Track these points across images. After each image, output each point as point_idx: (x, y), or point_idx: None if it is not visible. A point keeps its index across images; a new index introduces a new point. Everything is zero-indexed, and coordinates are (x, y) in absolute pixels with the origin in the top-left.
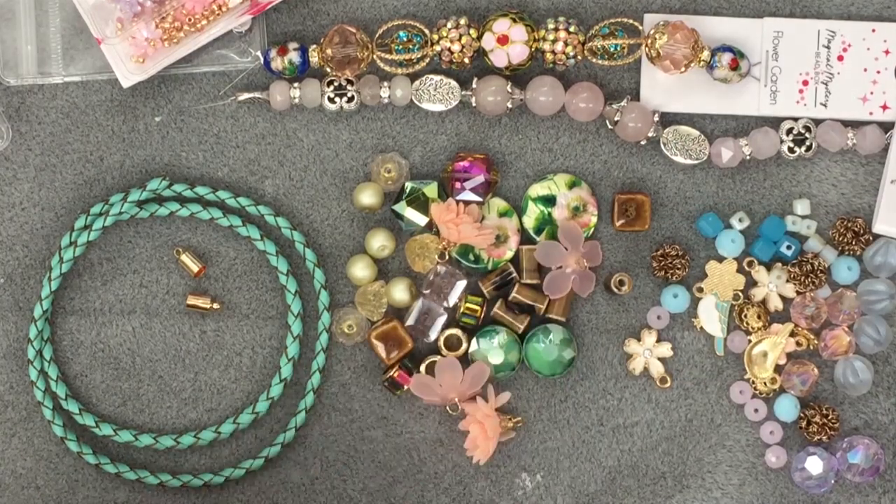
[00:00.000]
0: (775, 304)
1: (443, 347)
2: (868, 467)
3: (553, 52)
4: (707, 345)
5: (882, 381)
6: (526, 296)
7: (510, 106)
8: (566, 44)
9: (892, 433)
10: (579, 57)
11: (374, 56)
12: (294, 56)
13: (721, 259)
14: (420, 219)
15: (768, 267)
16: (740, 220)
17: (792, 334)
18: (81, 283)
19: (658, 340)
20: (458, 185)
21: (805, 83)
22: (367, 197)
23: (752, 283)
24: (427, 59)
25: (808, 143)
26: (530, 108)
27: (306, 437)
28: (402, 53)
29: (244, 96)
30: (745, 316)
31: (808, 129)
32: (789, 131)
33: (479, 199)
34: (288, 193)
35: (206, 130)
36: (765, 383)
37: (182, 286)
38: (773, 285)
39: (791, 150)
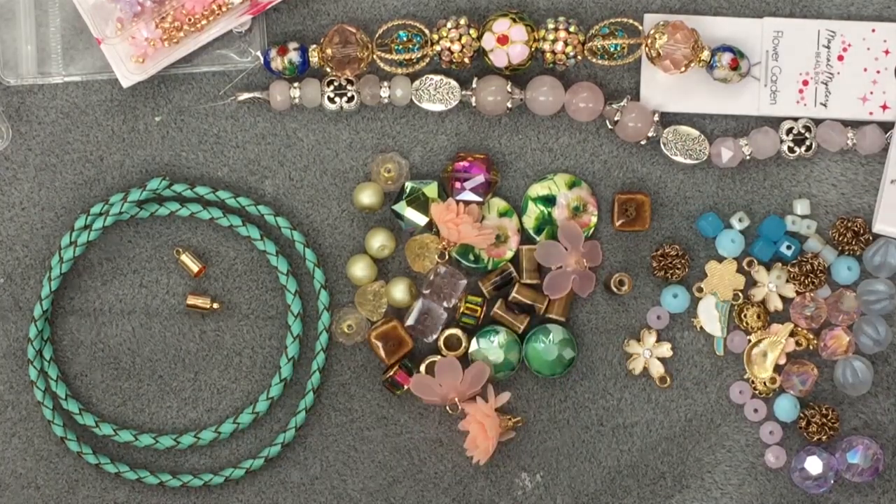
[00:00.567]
0: (775, 304)
1: (443, 347)
2: (867, 467)
3: (553, 52)
4: (707, 345)
5: (881, 381)
6: (526, 296)
7: (510, 106)
8: (566, 44)
9: (891, 433)
10: (579, 57)
11: (374, 56)
12: (294, 56)
13: (721, 259)
14: (420, 219)
15: (768, 267)
16: (740, 220)
17: (792, 334)
18: (81, 282)
19: (658, 340)
20: (458, 185)
21: (805, 83)
22: (367, 197)
23: (751, 283)
24: (427, 59)
25: (807, 142)
26: (530, 108)
27: (306, 436)
28: (402, 53)
29: (244, 96)
30: (745, 316)
31: (807, 128)
32: (789, 131)
33: (479, 199)
34: (288, 193)
35: (206, 130)
36: (764, 383)
37: (182, 286)
38: (772, 285)
39: (791, 149)
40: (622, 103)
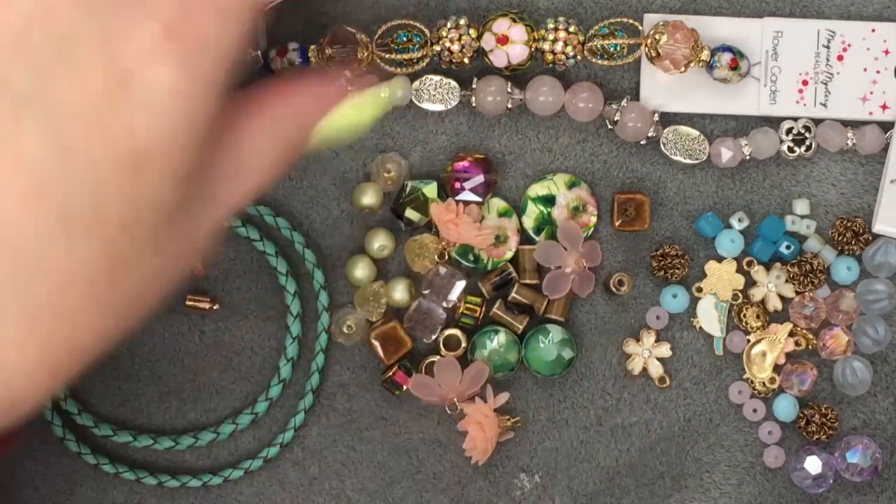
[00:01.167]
0: (774, 303)
1: (442, 347)
2: (867, 467)
3: (553, 52)
4: (706, 345)
5: (881, 381)
6: (525, 296)
7: (510, 106)
8: (566, 44)
9: (890, 433)
10: (579, 57)
11: (374, 56)
12: (294, 56)
13: (720, 259)
14: (420, 219)
15: (767, 267)
16: (740, 220)
17: (791, 334)
18: None
19: (657, 340)
20: (457, 185)
21: (805, 83)
22: (367, 197)
23: (751, 282)
24: (427, 60)
25: (807, 142)
26: (530, 108)
27: (305, 437)
28: (401, 54)
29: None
30: (744, 316)
31: (807, 128)
32: (789, 131)
33: (478, 199)
34: (287, 193)
35: None
36: (763, 383)
37: (181, 286)
38: (772, 285)
39: (791, 149)
40: (622, 103)
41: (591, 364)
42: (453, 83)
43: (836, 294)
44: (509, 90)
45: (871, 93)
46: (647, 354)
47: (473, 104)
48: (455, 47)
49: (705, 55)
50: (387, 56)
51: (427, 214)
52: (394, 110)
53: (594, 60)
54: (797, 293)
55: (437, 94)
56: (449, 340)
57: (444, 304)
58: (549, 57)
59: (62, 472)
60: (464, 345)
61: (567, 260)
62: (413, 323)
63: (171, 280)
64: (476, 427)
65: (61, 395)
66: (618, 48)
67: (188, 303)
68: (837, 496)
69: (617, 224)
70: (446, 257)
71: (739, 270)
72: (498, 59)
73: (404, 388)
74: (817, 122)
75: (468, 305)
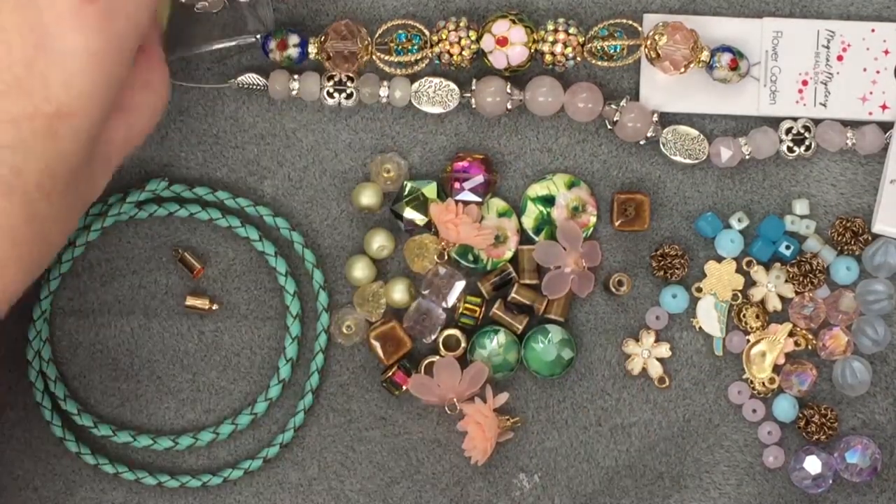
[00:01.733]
0: (774, 304)
1: (441, 348)
2: (866, 467)
3: (552, 53)
4: (706, 345)
5: (880, 382)
6: (525, 296)
7: (509, 106)
8: (565, 45)
9: (889, 433)
10: (578, 59)
11: (374, 56)
12: (293, 52)
13: (720, 259)
14: (419, 219)
15: (767, 267)
16: (739, 220)
17: (790, 334)
18: (80, 283)
19: (657, 341)
20: (457, 185)
21: (804, 83)
22: (367, 197)
23: (750, 283)
24: (426, 61)
25: (807, 142)
26: (529, 108)
27: (304, 437)
28: (401, 55)
29: (242, 77)
30: (744, 316)
31: (807, 128)
32: (788, 131)
33: (478, 199)
34: (287, 194)
35: (205, 131)
36: (763, 383)
37: (181, 287)
38: (771, 285)
39: (790, 149)
40: (621, 103)
41: (591, 364)
42: (452, 85)
43: (836, 294)
44: (509, 91)
45: (871, 93)
46: (646, 354)
47: (473, 105)
48: (455, 49)
49: (705, 56)
50: (386, 58)
51: (427, 214)
52: (393, 110)
53: (594, 62)
54: (797, 293)
55: (437, 97)
56: (448, 340)
57: (444, 305)
58: (549, 58)
59: (62, 473)
60: (463, 345)
61: (566, 260)
62: (413, 323)
63: (70, 231)
64: (475, 427)
65: (61, 396)
66: (617, 50)
67: (188, 303)
68: (837, 496)
69: (617, 224)
70: (446, 257)
71: (739, 270)
72: (497, 60)
73: (404, 388)
74: (817, 122)
75: (468, 306)
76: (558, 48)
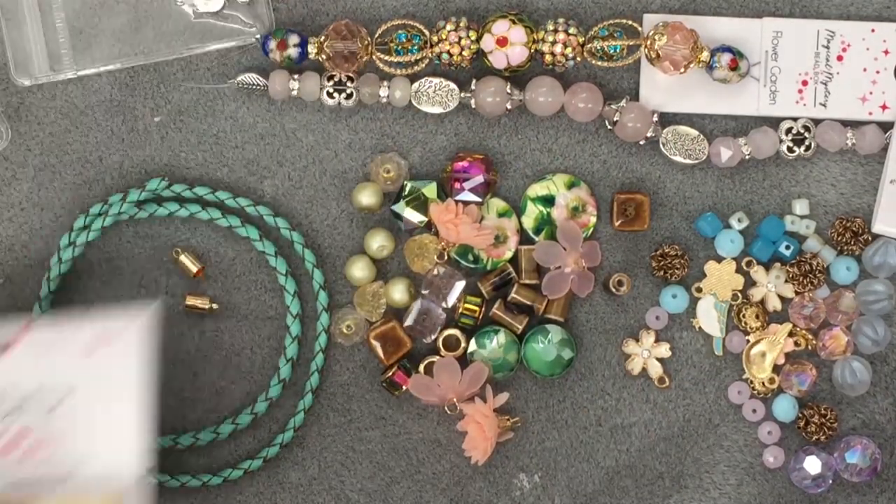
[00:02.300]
0: (774, 304)
1: (441, 348)
2: (866, 467)
3: (552, 53)
4: (705, 345)
5: (880, 382)
6: (525, 296)
7: (509, 107)
8: (565, 45)
9: (889, 433)
10: (578, 58)
11: (374, 57)
12: (293, 52)
13: (720, 259)
14: (419, 219)
15: (767, 267)
16: (739, 220)
17: (790, 334)
18: (80, 283)
19: (657, 341)
20: (457, 185)
21: (804, 83)
22: (367, 197)
23: (750, 283)
24: (426, 61)
25: (807, 142)
26: (529, 108)
27: (304, 437)
28: (401, 55)
29: (242, 77)
30: (744, 316)
31: (807, 128)
32: (788, 131)
33: (478, 199)
34: (287, 194)
35: (205, 131)
36: (763, 383)
37: (181, 287)
38: (771, 285)
39: (790, 149)
40: (621, 103)
41: (591, 364)
42: (452, 85)
43: (836, 294)
44: (509, 91)
45: (871, 93)
46: (646, 355)
47: (473, 105)
48: (454, 49)
49: (705, 56)
50: (386, 58)
51: (427, 214)
52: (393, 110)
53: (594, 62)
54: (797, 293)
55: (437, 97)
56: (449, 340)
57: (444, 305)
58: (549, 58)
59: None
60: (463, 345)
61: (566, 260)
62: (413, 323)
63: None
64: (476, 427)
65: None
66: (617, 50)
67: (188, 303)
68: (837, 496)
69: (617, 224)
70: (446, 257)
71: (739, 270)
72: (497, 60)
73: (404, 388)
74: (817, 122)
75: (468, 306)
76: (558, 48)
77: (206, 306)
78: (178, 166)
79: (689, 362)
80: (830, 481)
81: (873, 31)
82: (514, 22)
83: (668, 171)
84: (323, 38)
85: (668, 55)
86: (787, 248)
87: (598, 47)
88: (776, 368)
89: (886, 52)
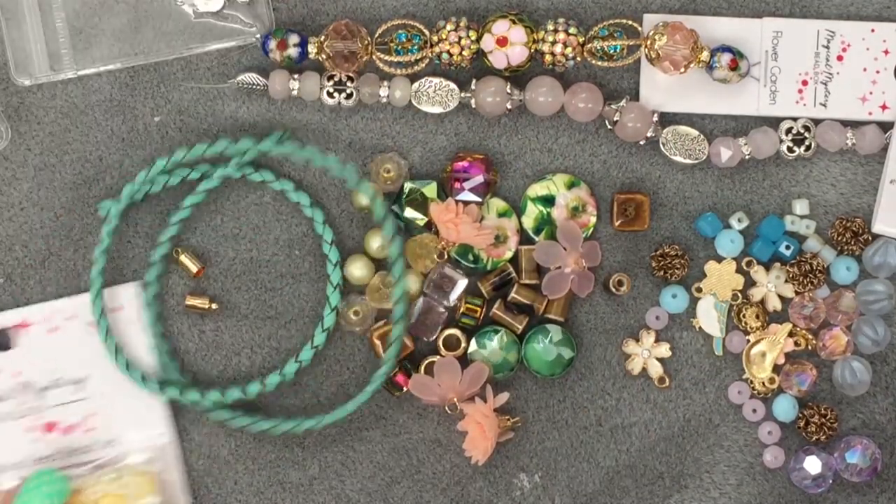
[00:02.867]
0: (774, 304)
1: (442, 347)
2: (866, 467)
3: (552, 53)
4: (706, 345)
5: (880, 382)
6: (525, 296)
7: (509, 106)
8: (565, 45)
9: (889, 433)
10: (578, 58)
11: (374, 57)
12: (293, 52)
13: (720, 259)
14: (419, 219)
15: (767, 267)
16: (739, 220)
17: (790, 334)
18: (81, 283)
19: (657, 341)
20: (457, 185)
21: (804, 83)
22: (367, 197)
23: (750, 283)
24: (426, 61)
25: (807, 142)
26: (529, 108)
27: (305, 437)
28: (400, 55)
29: (242, 77)
30: (744, 316)
31: (807, 128)
32: (788, 131)
33: (478, 199)
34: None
35: (205, 131)
36: (763, 383)
37: (181, 286)
38: (771, 285)
39: (790, 149)
40: (621, 103)
41: (591, 364)
42: (452, 85)
43: (836, 294)
44: (509, 91)
45: (871, 93)
46: (646, 354)
47: (473, 105)
48: (454, 49)
49: (705, 56)
50: (386, 58)
51: (427, 214)
52: (393, 110)
53: (594, 62)
54: (797, 293)
55: (437, 97)
56: (449, 340)
57: (445, 304)
58: (549, 58)
59: None
60: (464, 345)
61: (566, 260)
62: (414, 322)
63: None
64: (476, 427)
65: None
66: (617, 50)
67: (188, 303)
68: (837, 496)
69: (616, 224)
70: (446, 257)
71: (739, 270)
72: (497, 60)
73: (404, 388)
74: (817, 122)
75: (468, 306)
76: (558, 48)
77: (206, 306)
78: None
79: (689, 362)
80: (830, 481)
81: (873, 31)
82: (514, 22)
83: (668, 171)
84: (323, 37)
85: (668, 55)
86: (787, 248)
87: (598, 47)
88: (776, 368)
89: (886, 52)
